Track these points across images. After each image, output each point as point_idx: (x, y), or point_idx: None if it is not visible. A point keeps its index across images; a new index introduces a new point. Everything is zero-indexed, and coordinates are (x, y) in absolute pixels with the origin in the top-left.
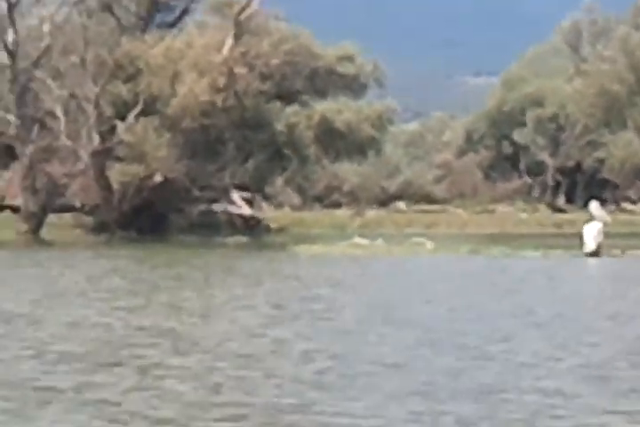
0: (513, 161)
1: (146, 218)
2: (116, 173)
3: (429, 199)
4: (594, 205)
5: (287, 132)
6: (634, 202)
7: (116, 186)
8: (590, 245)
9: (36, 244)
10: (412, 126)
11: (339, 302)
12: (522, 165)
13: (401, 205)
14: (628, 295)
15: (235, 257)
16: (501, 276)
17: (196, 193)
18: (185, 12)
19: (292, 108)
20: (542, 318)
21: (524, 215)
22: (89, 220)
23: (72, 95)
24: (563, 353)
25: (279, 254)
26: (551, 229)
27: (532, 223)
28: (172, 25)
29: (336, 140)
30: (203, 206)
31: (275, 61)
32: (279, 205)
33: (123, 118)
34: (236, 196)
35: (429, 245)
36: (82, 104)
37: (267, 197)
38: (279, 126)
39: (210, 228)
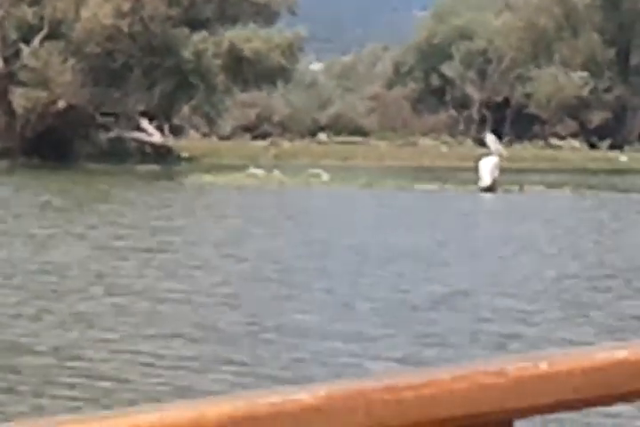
0: (441, 94)
1: (50, 144)
2: (19, 98)
3: (360, 131)
4: (490, 139)
5: (194, 60)
6: (562, 137)
7: (19, 111)
8: (485, 179)
9: None
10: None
11: (190, 235)
12: (448, 99)
13: (322, 136)
14: (488, 233)
15: (118, 186)
16: (377, 210)
17: (104, 120)
18: None
19: (199, 35)
20: (385, 254)
21: (444, 149)
22: None
23: None
24: (379, 292)
25: (166, 184)
26: (471, 163)
27: (451, 157)
28: None
29: (244, 69)
30: (112, 133)
31: None
32: (207, 135)
33: (28, 42)
34: (146, 123)
35: (325, 177)
36: None
37: (193, 126)
38: (186, 53)
39: (120, 155)
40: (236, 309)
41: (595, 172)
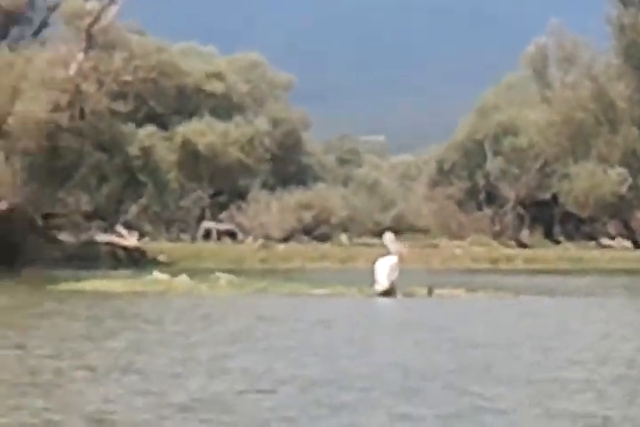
0: (478, 193)
1: None
2: None
3: (422, 232)
4: (388, 237)
5: (142, 156)
6: (612, 237)
7: None
8: (382, 282)
9: None
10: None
11: None
12: (481, 197)
13: (343, 237)
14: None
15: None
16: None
17: (60, 222)
18: (43, 24)
19: (147, 130)
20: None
21: (458, 251)
22: None
23: None
24: None
25: (52, 288)
26: (484, 264)
27: (464, 259)
28: (34, 37)
29: (200, 165)
30: (83, 236)
31: (126, 78)
32: (257, 237)
33: None
34: (119, 226)
35: (224, 281)
36: None
37: (246, 231)
38: (134, 150)
39: (90, 260)
40: None
41: (610, 272)
